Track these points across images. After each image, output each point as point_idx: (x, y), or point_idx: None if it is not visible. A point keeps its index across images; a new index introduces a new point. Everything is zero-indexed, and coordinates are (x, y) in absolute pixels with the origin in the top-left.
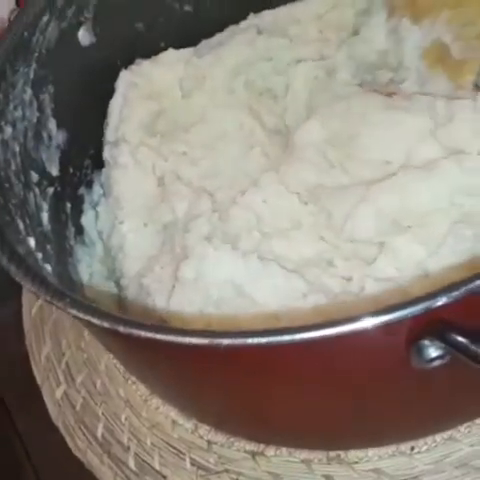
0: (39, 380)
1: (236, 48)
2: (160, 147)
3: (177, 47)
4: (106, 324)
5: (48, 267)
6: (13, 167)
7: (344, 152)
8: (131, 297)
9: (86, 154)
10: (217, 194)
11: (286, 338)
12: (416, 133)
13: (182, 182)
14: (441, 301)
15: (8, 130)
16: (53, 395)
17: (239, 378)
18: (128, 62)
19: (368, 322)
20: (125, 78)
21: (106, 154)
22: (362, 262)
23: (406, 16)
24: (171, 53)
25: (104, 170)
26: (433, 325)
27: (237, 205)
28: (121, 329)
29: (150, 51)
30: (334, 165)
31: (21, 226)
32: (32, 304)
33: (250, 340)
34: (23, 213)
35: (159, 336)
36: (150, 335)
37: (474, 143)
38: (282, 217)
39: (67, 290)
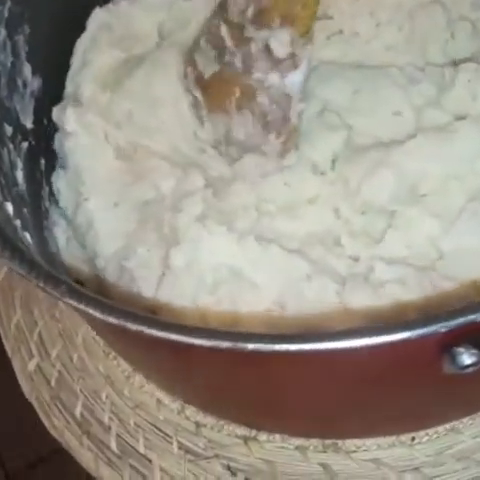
0: (9, 351)
1: None
2: (110, 106)
3: None
4: (112, 319)
5: (27, 236)
6: None
7: (351, 108)
8: (111, 279)
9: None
10: (210, 167)
11: (315, 346)
12: (421, 97)
13: (157, 156)
14: None
15: None
16: (25, 368)
17: (236, 367)
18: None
19: (403, 335)
20: (98, 17)
21: (54, 116)
22: (370, 240)
23: None
24: None
25: (57, 136)
26: (470, 333)
27: (240, 179)
28: (129, 325)
29: None
30: (350, 125)
31: None
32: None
33: (278, 346)
34: None
35: (175, 337)
36: (164, 335)
37: (475, 106)
38: (297, 192)
39: (50, 265)
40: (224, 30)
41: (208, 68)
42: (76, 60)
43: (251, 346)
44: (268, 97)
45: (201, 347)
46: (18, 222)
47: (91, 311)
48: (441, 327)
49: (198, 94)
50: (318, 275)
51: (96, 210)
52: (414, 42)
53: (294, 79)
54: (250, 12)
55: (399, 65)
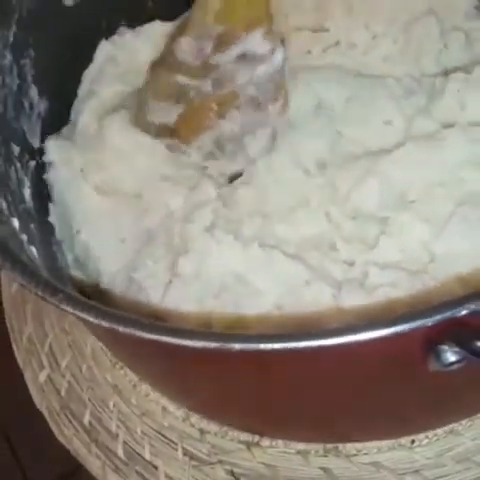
0: (21, 363)
1: None
2: (91, 142)
3: (167, 8)
4: (104, 323)
5: (33, 250)
6: None
7: (343, 114)
8: (118, 290)
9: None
10: (219, 178)
11: (302, 344)
12: (413, 107)
13: (164, 178)
14: (467, 309)
15: None
16: (36, 379)
17: (239, 373)
18: (114, 25)
19: (388, 330)
20: (105, 49)
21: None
22: (364, 246)
23: None
24: (156, 25)
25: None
26: (453, 331)
27: (244, 183)
28: (120, 328)
29: (138, 13)
30: (340, 133)
31: (3, 205)
32: (12, 281)
33: (263, 346)
34: (5, 190)
35: (165, 338)
36: (154, 337)
37: (463, 115)
38: (288, 193)
39: (55, 279)
40: (182, 78)
41: (170, 116)
42: (82, 90)
43: (238, 346)
44: (256, 86)
45: (193, 350)
46: (24, 237)
47: (85, 316)
48: (422, 323)
49: (168, 141)
50: (316, 280)
51: (96, 246)
52: (409, 53)
53: (278, 57)
54: (209, 48)
55: (396, 76)
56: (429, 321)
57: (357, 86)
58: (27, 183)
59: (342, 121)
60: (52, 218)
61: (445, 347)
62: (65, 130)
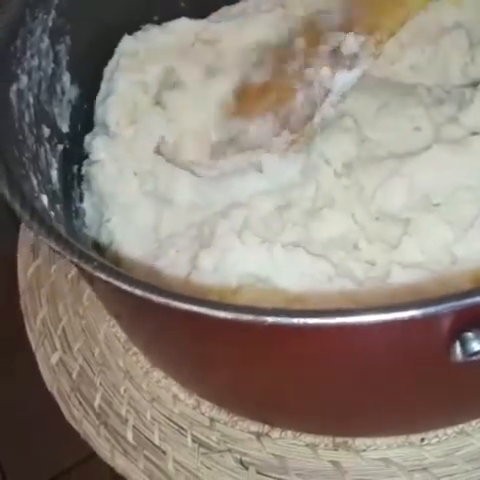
0: (34, 344)
1: (259, 26)
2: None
3: (197, 6)
4: (138, 291)
5: (61, 227)
6: (27, 119)
7: (374, 122)
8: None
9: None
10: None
11: (332, 321)
12: (442, 116)
13: None
14: None
15: (24, 79)
16: (48, 361)
17: (254, 355)
18: (148, 18)
19: (414, 312)
20: (127, 43)
21: (86, 143)
22: (387, 246)
23: None
24: (183, 22)
25: (86, 162)
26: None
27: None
28: (154, 298)
29: (171, 7)
30: (368, 137)
31: (34, 182)
32: (28, 264)
33: (296, 320)
34: (35, 168)
35: (197, 309)
36: (188, 308)
37: None
38: (317, 194)
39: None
40: None
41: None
42: (103, 85)
43: (270, 319)
44: (305, 94)
45: (221, 327)
46: (52, 213)
47: (119, 284)
48: (449, 308)
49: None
50: (338, 277)
51: (124, 234)
52: (436, 63)
53: (343, 78)
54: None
55: (424, 85)
56: (458, 305)
57: (388, 95)
58: (55, 165)
59: (372, 127)
60: (86, 204)
61: (471, 335)
62: (96, 129)
